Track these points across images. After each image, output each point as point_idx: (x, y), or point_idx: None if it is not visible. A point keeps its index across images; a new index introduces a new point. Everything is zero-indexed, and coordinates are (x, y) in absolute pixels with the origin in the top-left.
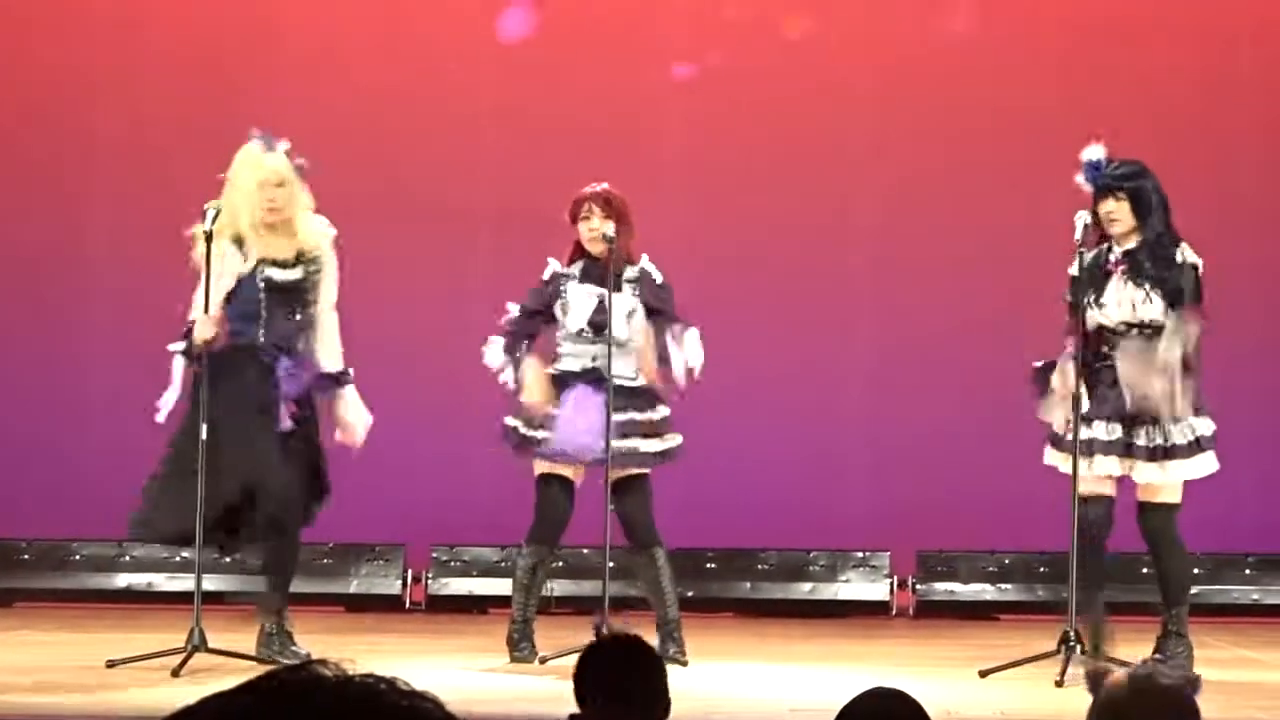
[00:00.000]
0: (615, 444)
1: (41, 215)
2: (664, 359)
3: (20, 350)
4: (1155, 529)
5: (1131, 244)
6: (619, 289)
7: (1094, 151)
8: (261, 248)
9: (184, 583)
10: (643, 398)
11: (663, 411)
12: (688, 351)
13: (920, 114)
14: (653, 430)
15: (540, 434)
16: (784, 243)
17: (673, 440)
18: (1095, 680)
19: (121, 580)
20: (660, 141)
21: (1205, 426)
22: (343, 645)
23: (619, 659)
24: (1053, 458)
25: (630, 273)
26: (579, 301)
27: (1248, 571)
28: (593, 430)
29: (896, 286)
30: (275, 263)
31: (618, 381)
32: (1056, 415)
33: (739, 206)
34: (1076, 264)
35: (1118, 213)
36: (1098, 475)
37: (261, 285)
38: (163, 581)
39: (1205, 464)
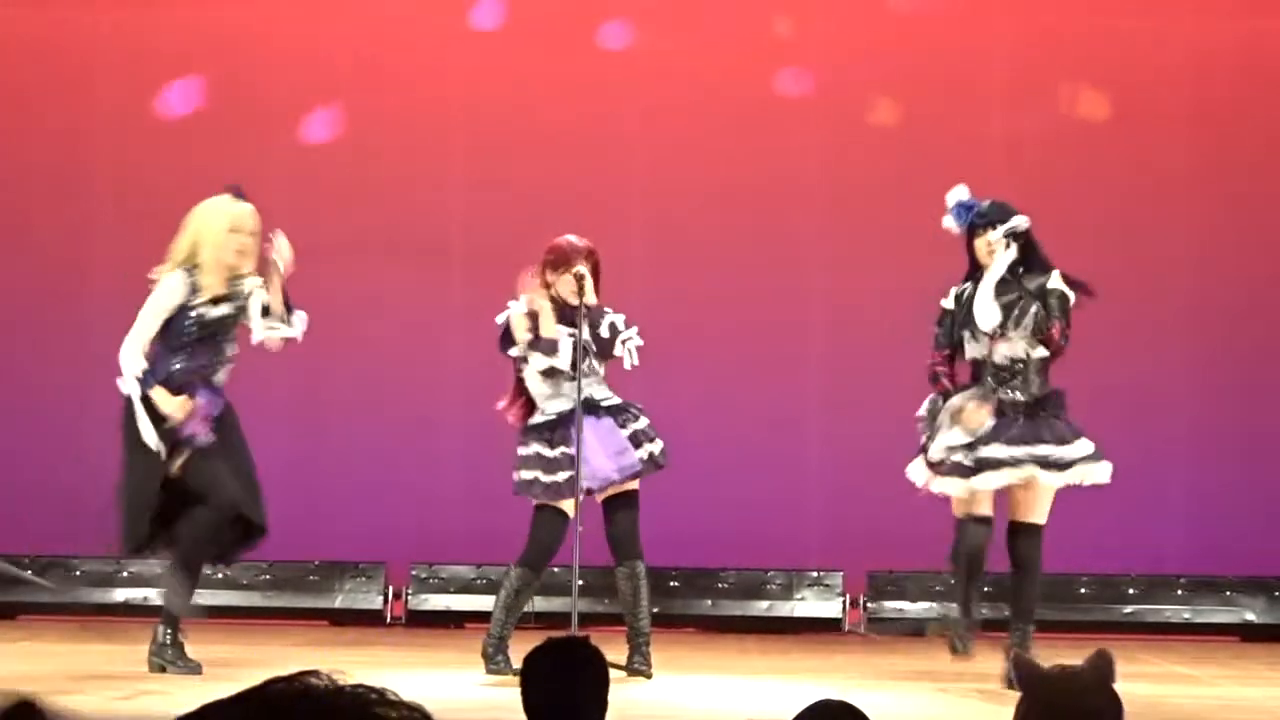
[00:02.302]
0: (638, 454)
1: (44, 245)
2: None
3: (23, 377)
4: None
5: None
6: (595, 326)
7: (961, 193)
8: (209, 286)
9: None
10: (629, 411)
11: (645, 420)
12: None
13: (872, 156)
14: (650, 437)
15: (563, 476)
16: (742, 279)
17: (658, 444)
18: (1021, 670)
19: (120, 595)
20: (624, 179)
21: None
22: (327, 658)
23: (562, 658)
24: (940, 484)
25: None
26: (561, 343)
27: (1179, 592)
28: (614, 449)
29: (848, 321)
30: (213, 300)
31: (606, 403)
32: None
33: (699, 246)
34: (951, 298)
35: (996, 243)
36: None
37: (194, 318)
38: (158, 597)
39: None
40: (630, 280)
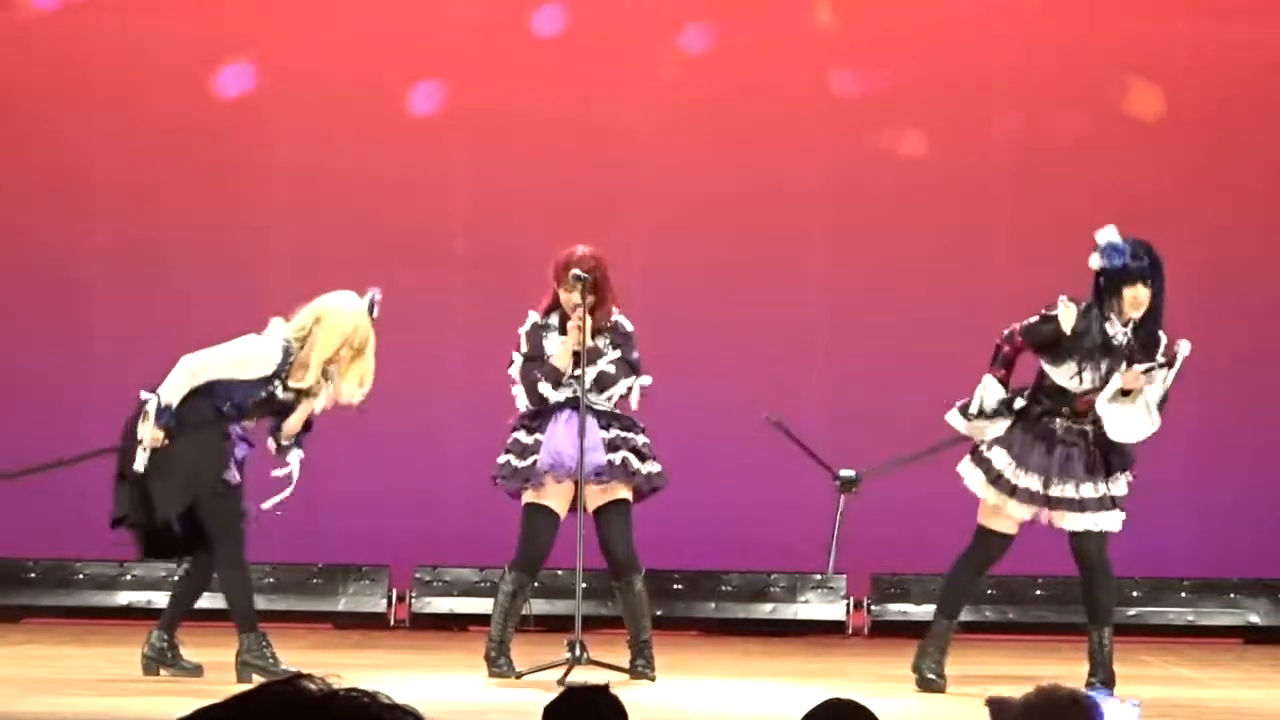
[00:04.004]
0: (609, 456)
1: (44, 253)
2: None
3: (27, 383)
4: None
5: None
6: (594, 341)
7: (1110, 234)
8: (295, 376)
9: None
10: (624, 420)
11: (644, 438)
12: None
13: (874, 158)
14: (639, 453)
15: (530, 460)
16: (742, 280)
17: (654, 465)
18: (998, 710)
19: (122, 598)
20: (625, 181)
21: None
22: (330, 661)
23: (582, 709)
24: (985, 490)
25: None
26: (559, 352)
27: (1183, 595)
28: (580, 442)
29: (852, 324)
30: (285, 385)
31: (598, 407)
32: (998, 453)
33: (700, 247)
34: (1072, 321)
35: (1144, 299)
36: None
37: (263, 395)
38: (161, 599)
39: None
40: (631, 281)
